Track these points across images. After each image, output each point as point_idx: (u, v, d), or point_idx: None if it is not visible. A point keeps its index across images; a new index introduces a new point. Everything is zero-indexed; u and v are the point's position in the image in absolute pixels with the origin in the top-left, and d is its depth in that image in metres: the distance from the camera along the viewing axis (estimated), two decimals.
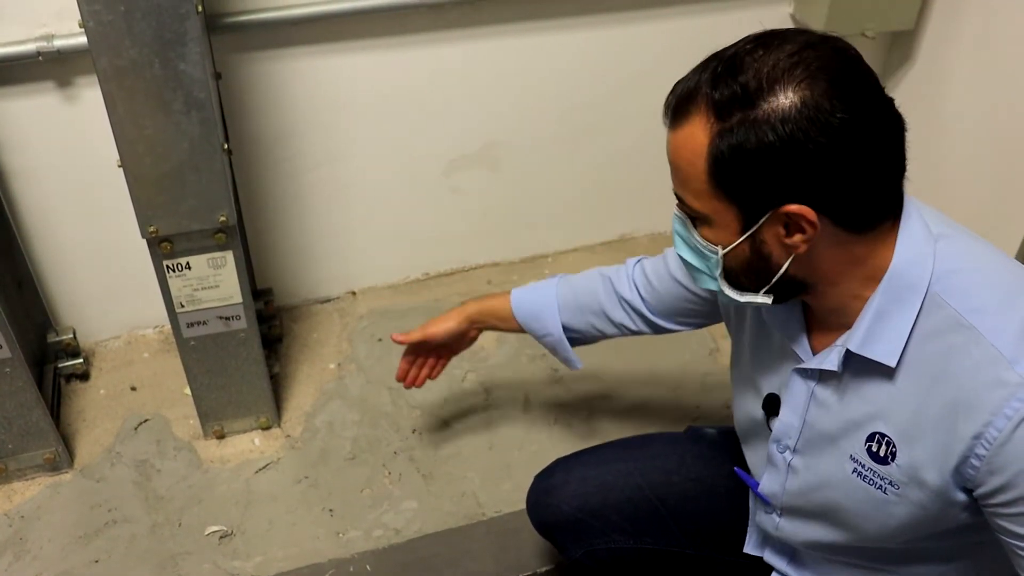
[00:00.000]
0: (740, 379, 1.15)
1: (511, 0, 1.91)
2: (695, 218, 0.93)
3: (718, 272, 0.94)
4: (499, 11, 1.93)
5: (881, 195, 0.89)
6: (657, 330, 1.40)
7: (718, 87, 0.85)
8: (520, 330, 1.49)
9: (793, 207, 0.85)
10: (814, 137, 0.81)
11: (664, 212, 2.53)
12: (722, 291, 0.96)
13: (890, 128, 0.86)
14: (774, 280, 0.92)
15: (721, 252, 0.92)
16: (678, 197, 0.93)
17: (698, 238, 0.93)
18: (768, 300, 0.94)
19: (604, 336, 1.47)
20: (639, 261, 1.41)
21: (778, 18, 2.07)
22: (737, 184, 0.86)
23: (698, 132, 0.86)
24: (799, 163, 0.82)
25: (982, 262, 0.92)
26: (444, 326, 1.50)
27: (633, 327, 1.41)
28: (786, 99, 0.82)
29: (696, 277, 0.99)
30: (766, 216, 0.87)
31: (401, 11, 1.84)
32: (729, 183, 0.86)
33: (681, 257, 0.99)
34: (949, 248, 0.91)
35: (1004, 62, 1.93)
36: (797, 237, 0.87)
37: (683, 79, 0.90)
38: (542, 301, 1.47)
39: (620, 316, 1.40)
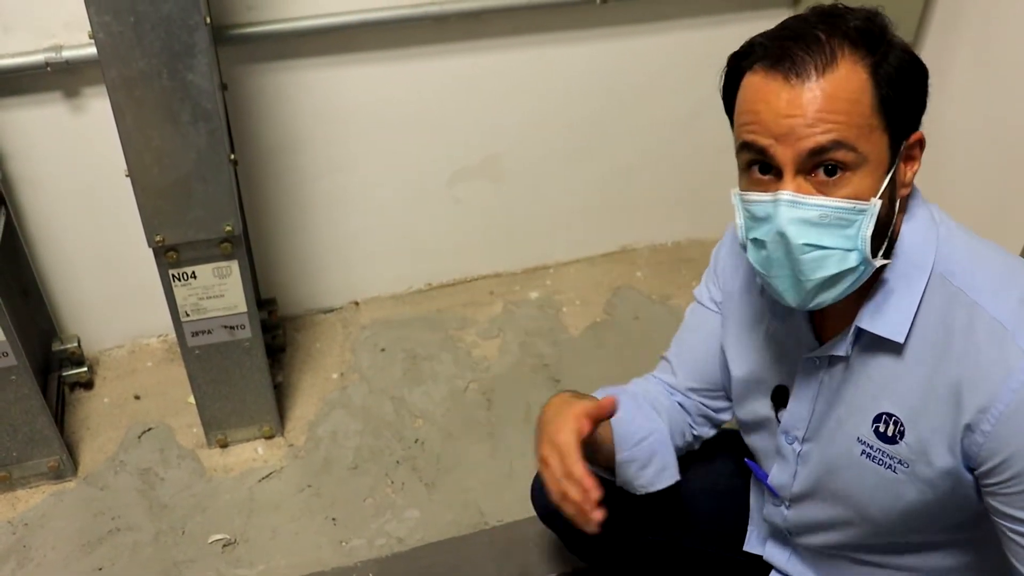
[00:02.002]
0: (741, 379, 1.16)
1: (515, 13, 1.92)
2: (833, 177, 0.87)
3: (864, 235, 0.88)
4: (503, 24, 1.95)
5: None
6: (715, 422, 1.26)
7: (849, 26, 0.88)
8: (606, 452, 1.18)
9: (916, 134, 0.92)
10: (919, 60, 0.91)
11: (665, 224, 2.55)
12: (862, 263, 0.89)
13: None
14: (889, 233, 0.93)
15: (878, 200, 0.88)
16: (819, 153, 0.86)
17: (841, 203, 0.87)
18: (886, 262, 0.93)
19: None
20: (659, 380, 1.26)
21: None
22: (898, 109, 0.89)
23: (853, 69, 0.87)
24: (923, 80, 0.91)
25: (976, 244, 0.97)
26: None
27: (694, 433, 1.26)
28: (888, 27, 0.90)
29: (825, 266, 0.89)
30: (902, 147, 0.91)
31: (405, 23, 1.86)
32: (892, 110, 0.89)
33: (808, 248, 0.89)
34: (948, 232, 0.95)
35: (1003, 73, 1.95)
36: (910, 171, 0.93)
37: (780, 38, 0.90)
38: (631, 397, 1.22)
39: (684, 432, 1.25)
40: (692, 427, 1.24)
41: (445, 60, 1.96)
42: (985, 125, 2.01)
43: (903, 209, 0.95)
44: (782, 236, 0.89)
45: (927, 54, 2.13)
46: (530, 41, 2.00)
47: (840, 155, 0.87)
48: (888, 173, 0.89)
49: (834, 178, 0.87)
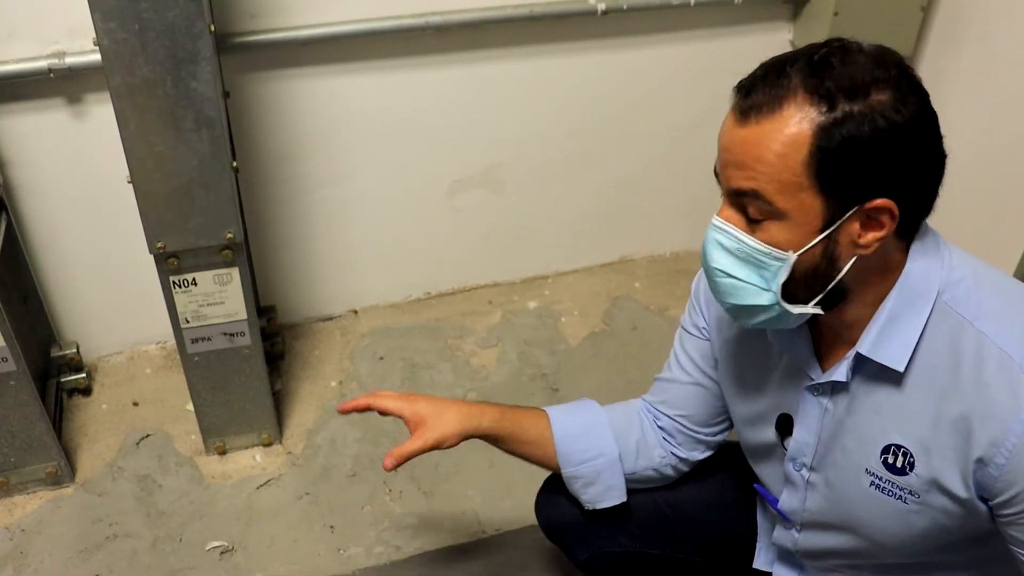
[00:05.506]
0: (745, 409, 1.15)
1: (516, 24, 1.94)
2: (759, 220, 0.89)
3: (779, 281, 0.90)
4: (504, 35, 1.96)
5: (934, 195, 0.92)
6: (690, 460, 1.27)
7: (822, 78, 0.84)
8: (540, 457, 1.26)
9: (879, 201, 0.85)
10: (913, 129, 0.85)
11: (664, 235, 2.56)
12: (775, 304, 0.91)
13: (936, 125, 0.90)
14: (830, 287, 0.91)
15: (794, 255, 0.89)
16: (739, 195, 0.89)
17: (757, 245, 0.89)
18: (818, 311, 0.93)
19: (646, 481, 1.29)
20: (652, 408, 1.28)
21: (778, 43, 2.09)
22: (839, 176, 0.84)
23: (795, 122, 0.84)
24: (903, 154, 0.85)
25: (981, 272, 0.95)
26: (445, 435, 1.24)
27: (670, 465, 1.27)
28: (886, 94, 0.84)
29: (736, 295, 0.93)
30: (851, 212, 0.86)
31: (407, 33, 1.87)
32: (831, 175, 0.84)
33: (721, 273, 0.93)
34: (953, 260, 0.93)
35: (1000, 88, 1.96)
36: (871, 236, 0.88)
37: (761, 77, 0.87)
38: (588, 417, 1.27)
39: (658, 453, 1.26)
40: (676, 450, 1.24)
41: (446, 70, 1.97)
42: (982, 140, 2.02)
43: (905, 250, 0.93)
44: (704, 256, 0.94)
45: (924, 69, 2.14)
46: (531, 52, 2.01)
47: (755, 205, 0.88)
48: (821, 233, 0.87)
49: (756, 221, 0.89)
